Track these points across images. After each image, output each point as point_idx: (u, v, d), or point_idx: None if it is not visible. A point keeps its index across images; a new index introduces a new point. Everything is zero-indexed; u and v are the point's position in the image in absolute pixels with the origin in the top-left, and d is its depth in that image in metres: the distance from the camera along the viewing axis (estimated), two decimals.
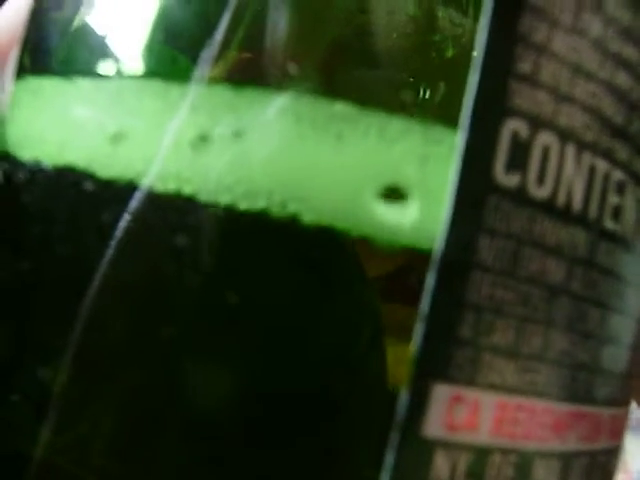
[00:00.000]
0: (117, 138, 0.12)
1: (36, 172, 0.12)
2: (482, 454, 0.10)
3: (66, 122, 0.12)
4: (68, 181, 0.12)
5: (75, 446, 0.11)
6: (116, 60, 0.12)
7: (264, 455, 0.11)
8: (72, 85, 0.12)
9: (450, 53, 0.12)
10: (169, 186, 0.11)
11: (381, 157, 0.11)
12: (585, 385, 0.11)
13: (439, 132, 0.11)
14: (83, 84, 0.12)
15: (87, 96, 0.12)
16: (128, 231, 0.11)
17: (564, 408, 0.11)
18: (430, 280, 0.10)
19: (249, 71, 0.11)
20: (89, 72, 0.12)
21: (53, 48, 0.13)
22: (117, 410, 0.11)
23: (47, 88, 0.13)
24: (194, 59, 0.11)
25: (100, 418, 0.11)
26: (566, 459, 0.11)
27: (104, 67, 0.12)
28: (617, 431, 0.13)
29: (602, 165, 0.11)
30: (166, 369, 0.11)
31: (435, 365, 0.10)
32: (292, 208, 0.11)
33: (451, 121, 0.10)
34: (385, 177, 0.11)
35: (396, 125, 0.11)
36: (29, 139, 0.12)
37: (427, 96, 0.11)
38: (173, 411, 0.11)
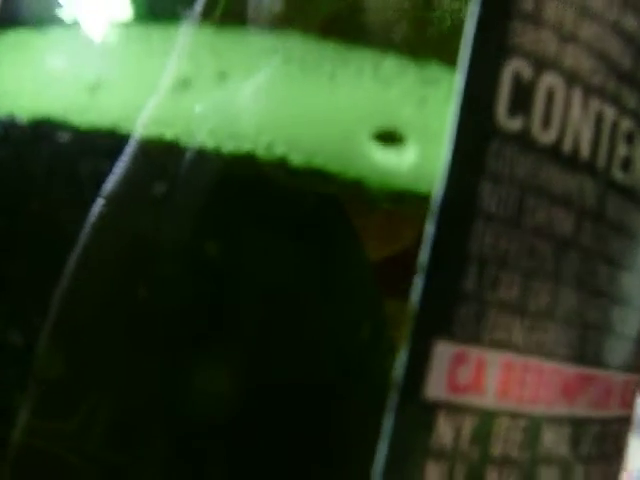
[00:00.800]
0: (95, 86, 0.11)
1: (10, 127, 0.11)
2: (488, 418, 0.09)
3: (42, 74, 0.11)
4: (45, 134, 0.11)
5: (69, 433, 0.11)
6: (92, 6, 0.11)
7: (258, 440, 0.11)
8: (47, 36, 0.12)
9: None
10: (151, 132, 0.10)
11: (376, 98, 0.10)
12: (595, 346, 0.11)
13: (437, 72, 0.10)
14: (58, 34, 0.11)
15: (63, 46, 0.11)
16: (108, 181, 0.10)
17: (573, 370, 0.10)
18: (429, 229, 0.09)
19: (234, 11, 0.11)
20: (64, 21, 0.11)
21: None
22: (103, 390, 0.11)
23: (20, 40, 0.12)
24: (176, 1, 0.11)
25: (86, 401, 0.11)
26: (576, 425, 0.11)
27: (79, 15, 0.11)
28: (629, 399, 0.12)
29: (610, 112, 0.10)
30: (154, 354, 0.11)
31: (436, 321, 0.09)
32: (280, 150, 0.10)
33: (450, 61, 0.10)
34: (380, 119, 0.10)
35: (391, 64, 0.10)
36: (3, 95, 0.12)
37: (424, 34, 0.11)
38: (162, 395, 0.11)
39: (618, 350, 0.11)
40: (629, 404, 0.12)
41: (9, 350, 0.12)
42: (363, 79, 0.10)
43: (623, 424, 0.12)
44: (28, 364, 0.11)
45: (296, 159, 0.10)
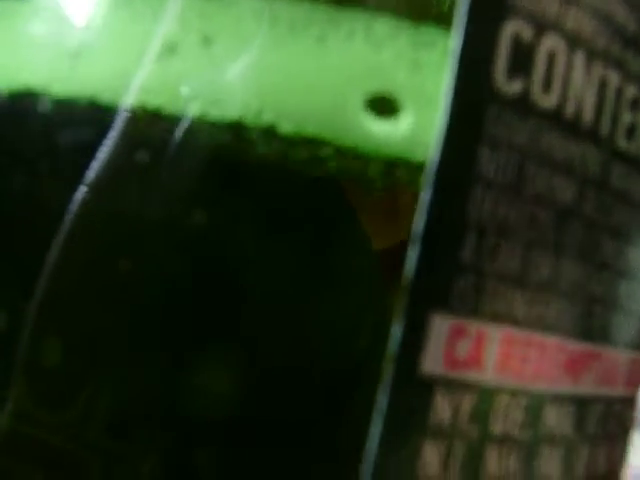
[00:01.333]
0: (77, 54, 0.10)
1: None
2: (488, 394, 0.09)
3: (21, 42, 0.11)
4: (25, 104, 0.11)
5: (68, 422, 0.11)
6: None
7: (258, 429, 0.10)
8: (26, 1, 0.11)
9: None
10: (135, 100, 0.10)
11: (368, 61, 0.10)
12: (600, 322, 0.10)
13: (432, 34, 0.10)
14: (36, 2, 0.11)
15: (43, 12, 0.11)
16: (91, 152, 0.10)
17: (577, 346, 0.10)
18: (425, 196, 0.09)
19: None
20: None
21: None
22: (102, 378, 0.11)
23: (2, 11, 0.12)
24: None
25: (85, 389, 0.11)
26: (580, 404, 0.10)
27: None
28: (635, 379, 0.12)
29: (614, 77, 0.10)
30: (153, 344, 0.11)
31: (433, 293, 0.09)
32: (269, 117, 0.10)
33: (445, 22, 0.09)
34: (373, 84, 0.10)
35: (384, 26, 0.10)
36: None
37: None
38: (161, 383, 0.11)
39: (625, 327, 0.11)
40: (635, 384, 0.12)
41: (3, 339, 0.11)
42: (354, 42, 0.10)
43: (628, 404, 0.11)
44: (24, 353, 0.11)
45: (285, 127, 0.10)
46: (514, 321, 0.09)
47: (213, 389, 0.10)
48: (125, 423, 0.11)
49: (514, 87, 0.09)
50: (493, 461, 0.09)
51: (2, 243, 0.11)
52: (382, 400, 0.09)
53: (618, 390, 0.11)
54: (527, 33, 0.09)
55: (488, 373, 0.09)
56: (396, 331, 0.09)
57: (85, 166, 0.10)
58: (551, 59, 0.09)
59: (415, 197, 0.09)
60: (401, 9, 0.10)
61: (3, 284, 0.11)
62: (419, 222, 0.09)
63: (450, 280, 0.09)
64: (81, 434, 0.10)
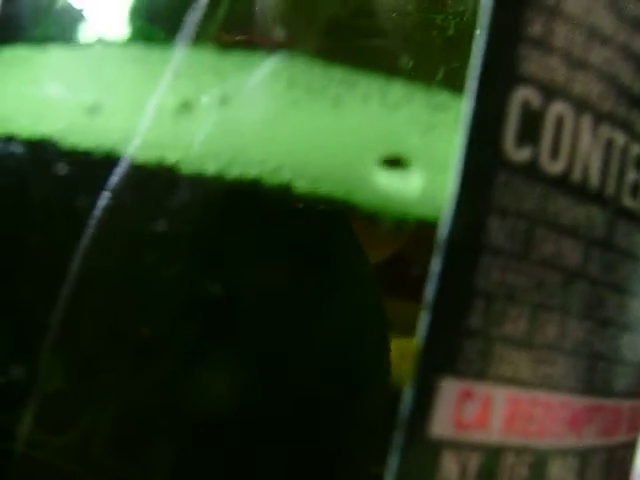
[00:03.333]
0: (94, 108, 0.11)
1: (9, 149, 0.11)
2: (494, 454, 0.09)
3: (40, 94, 0.11)
4: (43, 157, 0.11)
5: (72, 444, 0.11)
6: (92, 26, 0.11)
7: (264, 454, 0.11)
8: (46, 55, 0.11)
9: (456, 15, 0.11)
10: (150, 156, 0.10)
11: (382, 124, 0.10)
12: (604, 376, 0.10)
13: (445, 98, 0.10)
14: (57, 53, 0.11)
15: (62, 66, 0.11)
16: (107, 207, 0.10)
17: (581, 401, 0.10)
18: (435, 265, 0.09)
19: (237, 33, 0.10)
20: (64, 40, 0.11)
21: (25, 16, 0.12)
22: (105, 400, 0.11)
23: (19, 58, 0.12)
24: (177, 22, 0.10)
25: (89, 411, 0.11)
26: (583, 456, 0.10)
27: (80, 34, 0.11)
28: (636, 423, 0.12)
29: (620, 138, 0.10)
30: (155, 364, 0.11)
31: (442, 358, 0.09)
32: (286, 177, 0.10)
33: (457, 87, 0.09)
34: (387, 145, 0.10)
35: (398, 90, 0.10)
36: (0, 114, 0.12)
37: (431, 60, 0.10)
38: (165, 407, 0.11)
39: (626, 377, 0.11)
40: (636, 428, 0.12)
41: (9, 362, 0.11)
42: (370, 104, 0.10)
43: (630, 449, 0.12)
44: (30, 377, 0.11)
45: (301, 185, 0.10)
46: (520, 382, 0.09)
47: (215, 412, 0.11)
48: (128, 444, 0.11)
49: (523, 154, 0.09)
50: None
51: (9, 274, 0.11)
52: (393, 461, 0.09)
53: (620, 437, 0.11)
54: (536, 100, 0.09)
55: (494, 433, 0.09)
56: (406, 395, 0.09)
57: (96, 216, 0.11)
58: (559, 125, 0.09)
59: (425, 254, 0.09)
60: (415, 73, 0.10)
61: (6, 311, 0.12)
62: (429, 290, 0.09)
63: (459, 345, 0.09)
64: (84, 455, 0.11)
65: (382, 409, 0.10)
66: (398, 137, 0.10)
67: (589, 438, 0.10)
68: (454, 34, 0.11)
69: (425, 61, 0.10)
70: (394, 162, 0.10)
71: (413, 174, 0.10)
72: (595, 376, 0.10)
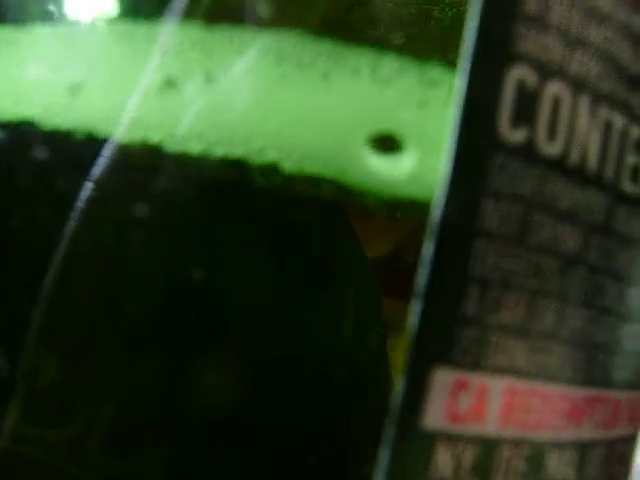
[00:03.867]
0: (77, 87, 0.10)
1: None
2: (490, 447, 0.09)
3: (21, 74, 0.11)
4: (24, 136, 0.10)
5: (66, 442, 0.10)
6: (76, 3, 0.11)
7: (259, 452, 0.10)
8: (26, 33, 0.11)
9: None
10: (134, 136, 0.10)
11: (373, 100, 0.10)
12: (603, 366, 0.10)
13: (438, 73, 0.10)
14: (39, 31, 0.11)
15: (43, 45, 0.11)
16: (91, 190, 0.10)
17: (580, 392, 0.10)
18: (428, 250, 0.08)
19: (223, 8, 0.10)
20: (46, 18, 0.11)
21: None
22: (101, 398, 0.11)
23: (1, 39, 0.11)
24: None
25: (84, 409, 0.11)
26: (582, 450, 0.10)
27: (63, 11, 0.11)
28: (636, 416, 0.12)
29: (619, 120, 0.10)
30: (147, 357, 0.10)
31: (435, 347, 0.09)
32: (272, 156, 0.09)
33: (450, 62, 0.09)
34: (377, 122, 0.10)
35: (390, 64, 0.10)
36: None
37: (424, 32, 0.10)
38: (160, 403, 0.10)
39: (626, 368, 0.11)
40: (636, 421, 0.12)
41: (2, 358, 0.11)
42: (360, 80, 0.10)
43: (630, 443, 0.11)
44: (20, 372, 0.11)
45: (288, 165, 0.09)
46: (517, 372, 0.09)
47: (211, 407, 0.10)
48: (123, 442, 0.11)
49: (518, 136, 0.09)
50: None
51: (4, 271, 0.11)
52: (384, 455, 0.08)
53: (620, 430, 0.11)
54: (532, 79, 0.09)
55: (490, 425, 0.09)
56: (399, 385, 0.08)
57: (79, 200, 0.10)
58: (556, 105, 0.09)
59: (416, 235, 0.09)
60: (407, 47, 0.10)
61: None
62: (422, 276, 0.08)
63: (453, 334, 0.09)
64: (78, 453, 0.10)
65: (377, 406, 0.10)
66: (389, 114, 0.10)
67: (588, 431, 0.10)
68: (448, 9, 0.10)
69: (417, 35, 0.10)
70: (385, 140, 0.10)
71: (405, 153, 0.10)
72: (594, 367, 0.10)
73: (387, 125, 0.10)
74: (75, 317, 0.11)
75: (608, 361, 0.10)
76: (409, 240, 0.10)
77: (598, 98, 0.10)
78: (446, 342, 0.09)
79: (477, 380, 0.09)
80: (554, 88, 0.09)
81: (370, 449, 0.09)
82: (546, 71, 0.09)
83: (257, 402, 0.10)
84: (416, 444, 0.09)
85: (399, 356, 0.09)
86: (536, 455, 0.09)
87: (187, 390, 0.10)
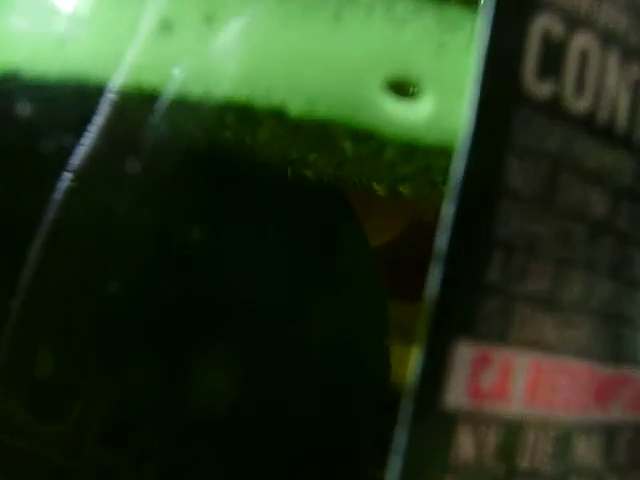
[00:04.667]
0: (67, 32, 0.10)
1: None
2: (515, 427, 0.08)
3: (6, 24, 0.10)
4: (12, 87, 0.10)
5: (62, 435, 0.10)
6: None
7: (254, 445, 0.10)
8: None
9: None
10: (129, 81, 0.09)
11: (388, 41, 0.09)
12: (629, 344, 0.09)
13: (458, 14, 0.09)
14: None
15: None
16: (79, 135, 0.09)
17: (607, 371, 0.09)
18: (448, 211, 0.08)
19: None
20: None
21: None
22: (97, 390, 0.10)
23: None
24: None
25: (80, 401, 0.10)
26: (610, 433, 0.09)
27: None
28: None
29: None
30: (143, 333, 0.10)
31: (457, 318, 0.08)
32: (278, 98, 0.09)
33: (471, 5, 0.08)
34: (393, 66, 0.09)
35: (405, 4, 0.09)
36: None
37: None
38: (157, 395, 0.10)
39: None
40: None
41: None
42: (373, 20, 0.09)
43: None
44: (16, 364, 0.10)
45: (296, 108, 0.09)
46: (543, 347, 0.08)
47: (209, 399, 0.10)
48: (120, 434, 0.10)
49: (544, 89, 0.08)
50: None
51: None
52: (401, 436, 0.08)
53: None
54: (558, 30, 0.08)
55: (515, 404, 0.08)
56: (417, 360, 0.08)
57: (71, 151, 0.10)
58: (583, 58, 0.08)
59: (433, 188, 0.08)
60: None
61: None
62: (442, 239, 0.08)
63: (475, 304, 0.08)
64: (76, 446, 0.10)
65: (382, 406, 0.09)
66: (406, 56, 0.09)
67: (616, 413, 0.09)
68: None
69: None
70: (401, 84, 0.09)
71: (422, 97, 0.09)
72: (622, 343, 0.09)
73: (403, 68, 0.09)
74: (71, 310, 0.10)
75: (636, 339, 0.10)
76: (416, 228, 0.10)
77: (628, 53, 0.09)
78: (468, 312, 0.08)
79: (501, 355, 0.08)
80: (582, 40, 0.08)
81: (380, 454, 0.08)
82: (573, 21, 0.08)
83: (254, 395, 0.10)
84: (436, 424, 0.08)
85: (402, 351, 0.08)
86: (563, 437, 0.09)
87: (184, 383, 0.10)
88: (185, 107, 0.09)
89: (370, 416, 0.10)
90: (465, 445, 0.08)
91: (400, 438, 0.08)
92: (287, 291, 0.10)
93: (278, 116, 0.09)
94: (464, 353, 0.08)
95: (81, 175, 0.09)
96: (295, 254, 0.10)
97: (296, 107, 0.09)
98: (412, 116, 0.09)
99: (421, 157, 0.09)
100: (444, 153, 0.08)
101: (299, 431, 0.10)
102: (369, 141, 0.09)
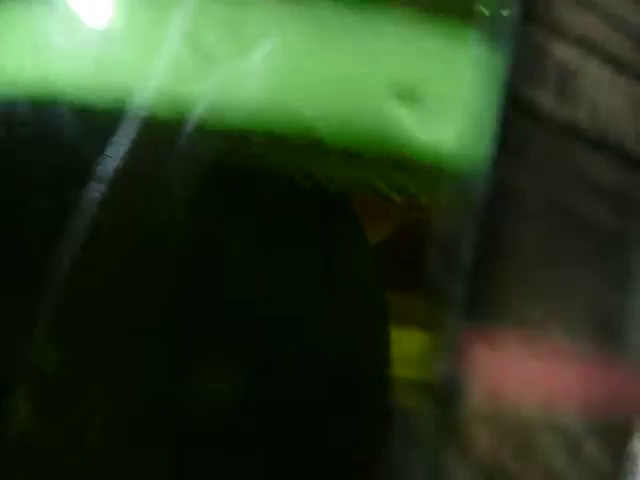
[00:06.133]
0: (98, 59, 0.10)
1: (13, 109, 0.11)
2: (530, 426, 0.09)
3: (44, 50, 0.11)
4: (46, 111, 0.10)
5: (68, 429, 0.10)
6: None
7: (258, 438, 0.10)
8: (48, 7, 0.11)
9: None
10: (157, 102, 0.10)
11: (396, 53, 0.09)
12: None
13: (462, 29, 0.09)
14: (60, 5, 0.11)
15: (66, 18, 0.11)
16: (111, 157, 0.10)
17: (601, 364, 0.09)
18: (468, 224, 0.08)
19: None
20: None
21: None
22: (103, 386, 0.10)
23: (19, 14, 0.11)
24: None
25: (86, 397, 0.10)
26: (612, 433, 0.10)
27: None
28: None
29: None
30: (152, 332, 0.10)
31: (477, 307, 0.08)
32: (307, 118, 0.09)
33: (476, 19, 0.09)
34: (400, 75, 0.09)
35: (414, 17, 0.09)
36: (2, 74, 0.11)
37: None
38: (161, 392, 0.10)
39: None
40: None
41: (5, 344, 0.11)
42: (392, 40, 0.09)
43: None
44: (24, 360, 0.11)
45: (324, 128, 0.09)
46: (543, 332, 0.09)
47: (214, 397, 0.10)
48: (125, 429, 0.10)
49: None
50: None
51: (8, 249, 0.11)
52: (424, 435, 0.08)
53: None
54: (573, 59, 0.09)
55: (529, 400, 0.09)
56: (436, 355, 0.08)
57: (100, 168, 0.10)
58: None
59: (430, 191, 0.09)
60: (432, 1, 0.10)
61: (3, 293, 0.11)
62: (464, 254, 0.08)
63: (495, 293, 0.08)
64: (81, 440, 0.10)
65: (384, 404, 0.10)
66: (412, 67, 0.09)
67: (616, 412, 0.10)
68: None
69: None
70: (407, 93, 0.09)
71: (426, 107, 0.09)
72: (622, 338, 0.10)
73: (410, 78, 0.10)
74: (79, 308, 0.11)
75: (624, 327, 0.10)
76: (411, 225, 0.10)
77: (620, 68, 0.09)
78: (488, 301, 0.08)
79: (521, 347, 0.08)
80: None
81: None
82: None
83: (260, 394, 0.10)
84: (455, 421, 0.08)
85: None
86: (573, 439, 0.09)
87: (190, 381, 0.10)
88: (213, 125, 0.10)
89: (372, 409, 0.10)
90: (483, 442, 0.08)
91: (418, 434, 0.08)
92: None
93: (306, 136, 0.09)
94: (483, 348, 0.08)
95: (114, 190, 0.10)
96: (312, 261, 0.10)
97: (324, 126, 0.09)
98: (416, 126, 0.09)
99: (418, 163, 0.10)
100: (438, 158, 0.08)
101: (300, 427, 0.10)
102: (376, 148, 0.09)
